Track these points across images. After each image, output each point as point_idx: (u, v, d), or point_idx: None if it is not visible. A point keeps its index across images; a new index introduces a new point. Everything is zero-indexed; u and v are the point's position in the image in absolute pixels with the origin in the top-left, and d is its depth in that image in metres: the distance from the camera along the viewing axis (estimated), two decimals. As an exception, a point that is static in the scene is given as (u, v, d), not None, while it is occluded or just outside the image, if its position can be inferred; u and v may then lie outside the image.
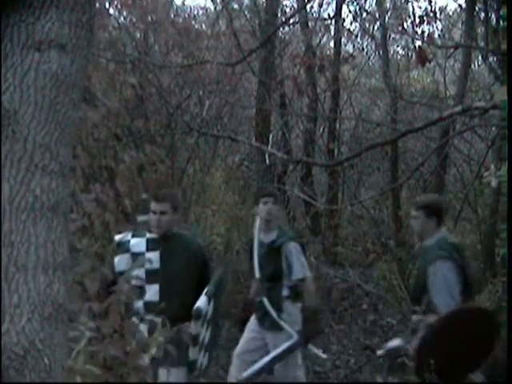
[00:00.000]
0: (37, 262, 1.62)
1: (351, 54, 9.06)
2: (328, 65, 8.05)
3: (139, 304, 3.71)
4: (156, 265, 3.76)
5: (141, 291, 3.67)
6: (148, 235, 3.87)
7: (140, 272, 3.69)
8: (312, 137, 8.78)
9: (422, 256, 3.88)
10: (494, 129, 6.53)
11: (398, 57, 10.34)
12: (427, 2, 8.06)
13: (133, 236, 3.88)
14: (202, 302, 3.57)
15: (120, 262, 3.73)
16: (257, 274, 4.25)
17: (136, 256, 3.75)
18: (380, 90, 9.57)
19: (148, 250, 3.81)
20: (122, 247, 3.81)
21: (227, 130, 8.25)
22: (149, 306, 3.68)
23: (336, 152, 9.06)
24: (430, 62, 6.75)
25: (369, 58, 10.41)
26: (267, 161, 6.74)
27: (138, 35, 7.31)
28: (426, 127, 5.18)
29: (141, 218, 4.68)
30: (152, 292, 3.73)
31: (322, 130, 9.62)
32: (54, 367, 1.61)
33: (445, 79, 8.51)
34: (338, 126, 9.25)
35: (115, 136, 5.66)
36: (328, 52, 9.14)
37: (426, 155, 5.76)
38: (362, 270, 8.03)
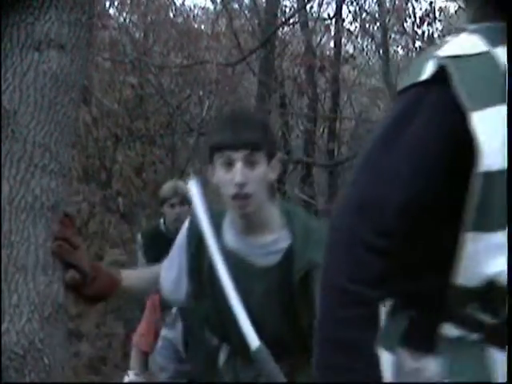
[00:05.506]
0: (36, 262, 1.61)
1: (351, 55, 9.05)
2: (328, 65, 8.05)
3: None
4: None
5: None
6: None
7: None
8: (312, 137, 8.78)
9: None
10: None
11: (398, 57, 10.35)
12: (428, 3, 8.07)
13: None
14: None
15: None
16: None
17: None
18: (380, 89, 9.56)
19: None
20: None
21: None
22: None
23: (336, 152, 9.06)
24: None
25: (369, 58, 10.41)
26: (267, 161, 6.71)
27: (137, 35, 7.31)
28: (426, 127, 5.18)
29: None
30: None
31: (322, 129, 9.61)
32: (54, 367, 1.61)
33: (445, 79, 8.49)
34: (338, 125, 9.25)
35: (115, 136, 5.67)
36: (328, 52, 9.14)
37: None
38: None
